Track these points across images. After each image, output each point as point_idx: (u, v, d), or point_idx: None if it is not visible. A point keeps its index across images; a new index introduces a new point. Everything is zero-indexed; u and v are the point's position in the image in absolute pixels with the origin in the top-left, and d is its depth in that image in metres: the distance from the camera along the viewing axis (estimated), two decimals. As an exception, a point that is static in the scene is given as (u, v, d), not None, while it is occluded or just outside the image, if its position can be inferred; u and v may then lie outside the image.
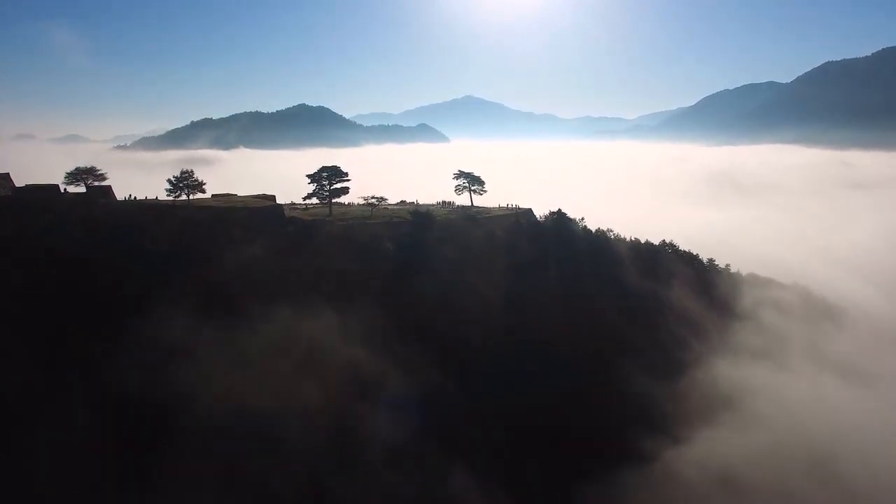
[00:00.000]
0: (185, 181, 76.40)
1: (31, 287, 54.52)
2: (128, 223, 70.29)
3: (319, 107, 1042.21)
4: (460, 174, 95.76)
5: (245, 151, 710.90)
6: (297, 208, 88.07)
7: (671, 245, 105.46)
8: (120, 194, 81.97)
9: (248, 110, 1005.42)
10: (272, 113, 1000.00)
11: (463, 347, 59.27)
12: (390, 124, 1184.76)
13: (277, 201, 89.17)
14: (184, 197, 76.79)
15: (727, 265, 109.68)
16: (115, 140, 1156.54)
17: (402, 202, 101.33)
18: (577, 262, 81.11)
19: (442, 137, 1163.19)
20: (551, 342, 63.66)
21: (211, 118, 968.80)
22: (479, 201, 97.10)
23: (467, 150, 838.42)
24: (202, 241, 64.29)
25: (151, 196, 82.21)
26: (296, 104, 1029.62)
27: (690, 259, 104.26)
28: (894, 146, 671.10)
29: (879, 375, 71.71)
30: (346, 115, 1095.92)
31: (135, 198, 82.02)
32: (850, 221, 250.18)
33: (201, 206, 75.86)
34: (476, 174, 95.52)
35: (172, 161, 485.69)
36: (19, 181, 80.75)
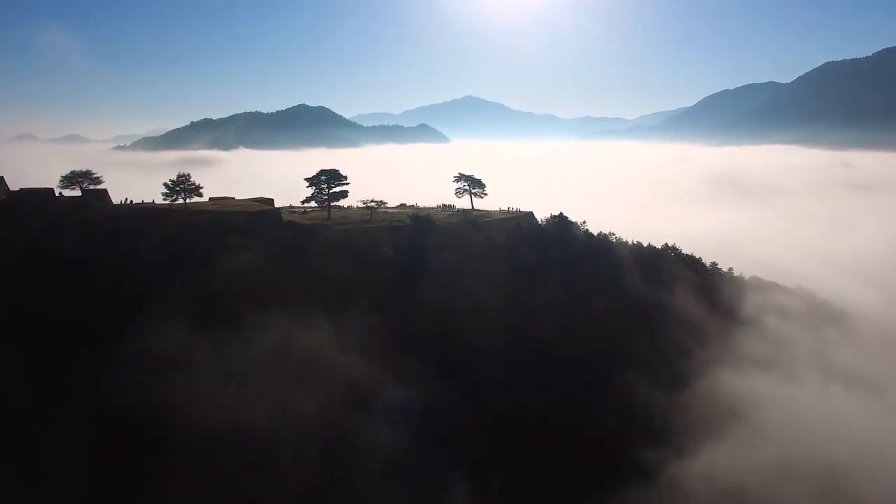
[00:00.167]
0: (181, 185, 75.36)
1: (21, 294, 53.36)
2: (123, 228, 69.36)
3: (319, 107, 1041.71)
4: (461, 177, 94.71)
5: (245, 152, 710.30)
6: (296, 212, 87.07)
7: (673, 249, 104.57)
8: (118, 196, 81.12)
9: (247, 110, 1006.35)
10: (272, 113, 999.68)
11: (463, 356, 58.17)
12: (390, 124, 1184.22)
13: (276, 204, 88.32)
14: (181, 201, 75.77)
15: (730, 269, 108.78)
16: (115, 140, 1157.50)
17: (402, 205, 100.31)
18: (579, 268, 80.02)
19: (442, 138, 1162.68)
20: (553, 350, 62.54)
21: (211, 118, 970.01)
22: (480, 204, 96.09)
23: (467, 150, 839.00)
24: (198, 247, 63.17)
25: (148, 199, 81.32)
26: (296, 104, 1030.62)
27: (693, 263, 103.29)
28: (895, 147, 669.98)
29: (887, 384, 70.51)
30: (347, 116, 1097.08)
31: (131, 202, 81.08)
32: (852, 224, 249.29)
33: (198, 210, 74.92)
34: (477, 177, 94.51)
35: (172, 162, 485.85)
36: (19, 182, 79.93)
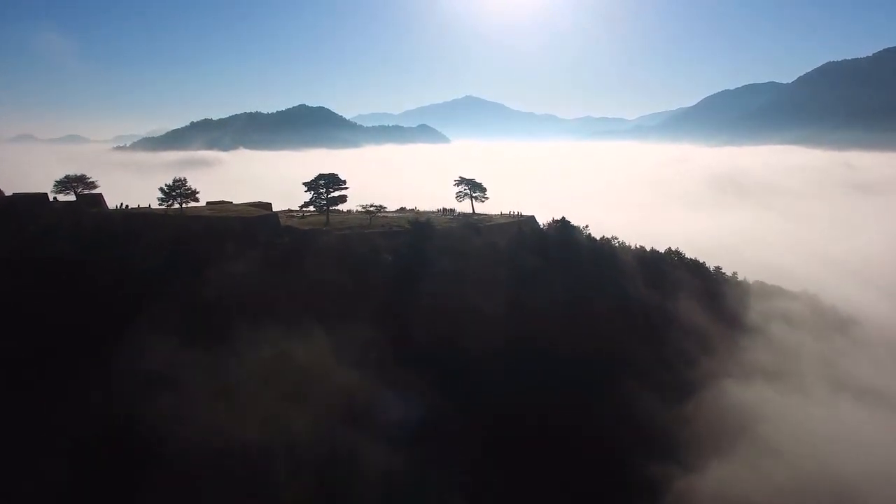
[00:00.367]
0: (177, 190, 74.07)
1: (8, 304, 51.97)
2: (118, 233, 68.17)
3: (319, 107, 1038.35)
4: (461, 181, 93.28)
5: (244, 152, 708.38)
6: (294, 216, 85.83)
7: (677, 253, 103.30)
8: (115, 200, 79.97)
9: (247, 111, 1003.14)
10: (272, 113, 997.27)
11: (463, 368, 56.74)
12: (391, 125, 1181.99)
13: (275, 207, 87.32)
14: (177, 206, 74.48)
15: (734, 273, 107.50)
16: (115, 140, 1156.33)
17: (402, 209, 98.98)
18: (581, 274, 78.73)
19: (442, 138, 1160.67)
20: (553, 360, 61.16)
21: (211, 119, 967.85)
22: (481, 208, 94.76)
23: (468, 150, 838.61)
24: (193, 255, 61.88)
25: (148, 201, 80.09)
26: (296, 104, 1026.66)
27: (697, 267, 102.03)
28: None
29: (898, 396, 68.82)
30: (347, 116, 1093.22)
31: (126, 206, 79.84)
32: (855, 226, 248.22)
33: (194, 215, 73.67)
34: (478, 181, 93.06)
35: (171, 163, 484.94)
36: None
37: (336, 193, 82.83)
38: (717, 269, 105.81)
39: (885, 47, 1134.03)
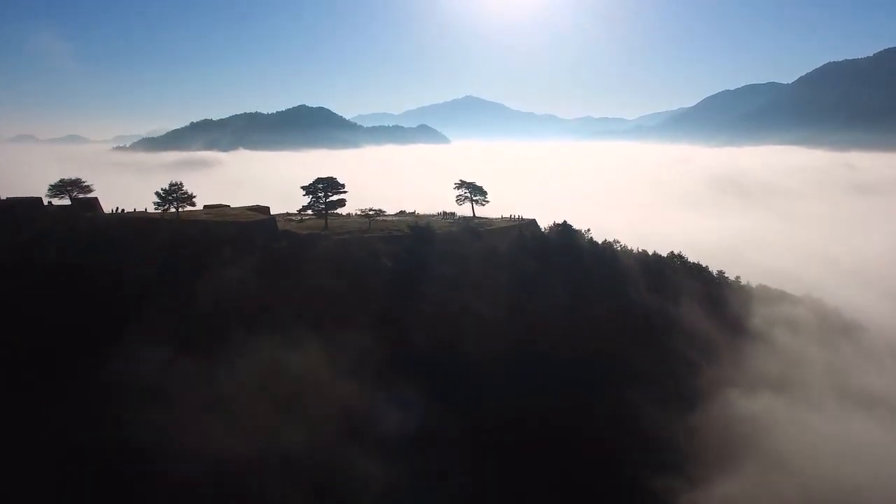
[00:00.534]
0: (173, 194, 73.05)
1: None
2: (113, 238, 67.15)
3: (319, 107, 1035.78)
4: (462, 184, 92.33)
5: (244, 153, 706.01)
6: (293, 220, 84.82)
7: (679, 257, 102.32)
8: (115, 199, 78.94)
9: (247, 111, 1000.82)
10: (272, 114, 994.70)
11: (463, 372, 55.81)
12: (391, 125, 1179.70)
13: (274, 208, 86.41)
14: (173, 210, 73.47)
15: (737, 277, 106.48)
16: (115, 141, 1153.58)
17: (402, 212, 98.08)
18: (583, 279, 77.74)
19: (442, 138, 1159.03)
20: (554, 364, 60.38)
21: (210, 119, 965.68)
22: (481, 211, 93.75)
23: (468, 150, 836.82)
24: (189, 260, 60.86)
25: (146, 203, 78.82)
26: (295, 105, 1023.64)
27: (699, 271, 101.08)
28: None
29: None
30: (346, 116, 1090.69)
31: (122, 210, 78.81)
32: (857, 228, 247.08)
33: (191, 219, 72.64)
34: (478, 184, 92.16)
35: (171, 163, 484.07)
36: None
37: (335, 197, 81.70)
38: (720, 272, 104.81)
39: (886, 47, 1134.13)
